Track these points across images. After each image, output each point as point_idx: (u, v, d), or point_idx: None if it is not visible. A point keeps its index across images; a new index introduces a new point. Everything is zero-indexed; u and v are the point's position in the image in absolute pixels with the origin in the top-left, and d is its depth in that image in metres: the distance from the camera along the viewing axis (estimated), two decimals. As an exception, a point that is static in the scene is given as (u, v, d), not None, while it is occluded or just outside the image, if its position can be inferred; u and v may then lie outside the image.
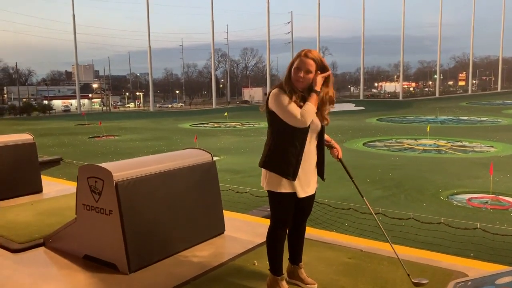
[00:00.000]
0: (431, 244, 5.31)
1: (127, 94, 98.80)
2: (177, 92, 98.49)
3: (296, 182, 2.76)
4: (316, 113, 2.75)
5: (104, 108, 78.23)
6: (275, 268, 2.92)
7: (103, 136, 32.03)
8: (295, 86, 2.71)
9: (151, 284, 3.14)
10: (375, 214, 3.37)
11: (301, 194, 2.81)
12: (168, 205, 3.59)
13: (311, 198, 2.96)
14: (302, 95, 2.72)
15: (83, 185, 3.45)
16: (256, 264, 3.34)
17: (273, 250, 2.93)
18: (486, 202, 12.71)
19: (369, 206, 3.18)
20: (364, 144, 25.43)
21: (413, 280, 2.88)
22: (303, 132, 2.73)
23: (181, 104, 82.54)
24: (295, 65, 2.71)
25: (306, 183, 2.82)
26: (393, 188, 13.66)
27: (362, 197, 3.12)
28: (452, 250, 4.90)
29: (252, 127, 37.44)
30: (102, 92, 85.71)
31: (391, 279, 3.08)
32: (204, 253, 3.64)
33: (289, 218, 2.89)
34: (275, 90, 2.75)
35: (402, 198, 12.68)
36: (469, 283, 2.78)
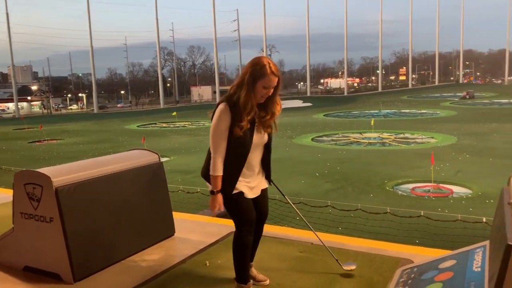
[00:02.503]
0: (379, 233, 5.49)
1: (69, 95, 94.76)
2: (122, 92, 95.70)
3: (239, 185, 2.72)
4: (259, 129, 2.70)
5: (45, 111, 74.62)
6: (245, 276, 2.82)
7: (45, 140, 30.52)
8: (257, 101, 2.62)
9: (98, 293, 3.01)
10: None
11: (250, 195, 2.77)
12: (114, 209, 3.44)
13: (265, 198, 2.93)
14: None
15: (20, 193, 3.24)
16: (208, 264, 3.29)
17: (241, 257, 2.79)
18: (429, 191, 13.35)
19: (288, 199, 3.18)
20: (312, 139, 25.92)
21: (343, 266, 3.03)
22: (246, 149, 2.68)
23: (121, 105, 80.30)
24: (263, 83, 2.57)
25: (252, 185, 2.79)
26: (341, 181, 14.01)
27: (284, 196, 3.17)
28: (399, 238, 5.08)
29: (202, 126, 37.07)
30: (42, 94, 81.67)
31: (341, 269, 3.13)
32: (153, 257, 3.53)
33: (253, 218, 2.78)
34: (222, 107, 2.61)
35: (350, 190, 13.04)
36: (415, 269, 2.87)
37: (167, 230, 3.96)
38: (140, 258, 3.53)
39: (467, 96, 51.22)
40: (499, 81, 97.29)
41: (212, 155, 2.63)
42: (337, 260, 3.10)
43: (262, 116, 2.69)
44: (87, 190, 3.27)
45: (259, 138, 2.72)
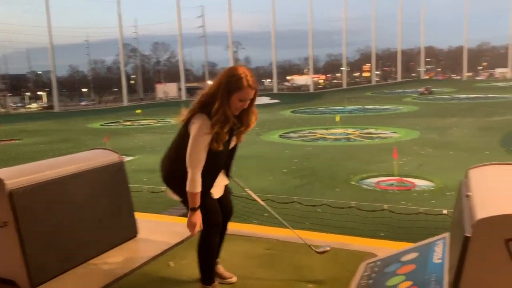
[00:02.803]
0: (345, 227, 5.56)
1: (28, 94, 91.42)
2: (85, 90, 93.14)
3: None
4: (233, 139, 2.65)
5: (2, 110, 71.71)
6: (211, 277, 2.76)
7: (2, 140, 29.31)
8: (233, 113, 2.50)
9: (56, 299, 2.89)
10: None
11: (216, 195, 2.74)
12: (72, 212, 3.31)
13: (227, 194, 2.90)
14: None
15: (-30, 197, 3.07)
16: (172, 265, 3.22)
17: (208, 258, 2.74)
18: (392, 184, 13.66)
19: (252, 193, 3.12)
20: (280, 136, 26.07)
21: (316, 250, 3.04)
22: (222, 161, 2.63)
23: (85, 103, 78.20)
24: (239, 96, 2.44)
25: (217, 184, 2.75)
26: (309, 176, 14.14)
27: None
28: (364, 232, 5.16)
29: (168, 124, 36.57)
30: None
31: (307, 265, 3.14)
32: (115, 260, 3.43)
33: (220, 218, 2.73)
34: (204, 120, 2.44)
35: (317, 185, 13.18)
36: (379, 262, 2.92)
37: (130, 232, 3.86)
38: (101, 261, 3.42)
39: (426, 92, 52.82)
40: (458, 77, 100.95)
41: (190, 170, 2.47)
42: (310, 246, 3.11)
43: (238, 128, 2.60)
44: (44, 192, 3.13)
45: (230, 145, 2.68)
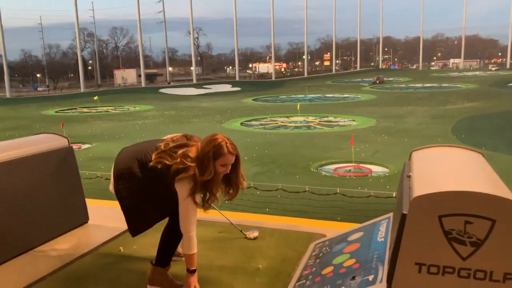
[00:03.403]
0: (300, 211, 5.66)
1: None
2: (39, 75, 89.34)
3: None
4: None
5: (-51, 96, 67.68)
6: (167, 260, 2.79)
7: None
8: (218, 176, 2.58)
9: (1, 285, 2.79)
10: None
11: None
12: (18, 198, 3.19)
13: None
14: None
15: None
16: (122, 250, 3.18)
17: (175, 245, 2.81)
18: (350, 171, 14.00)
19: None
20: (241, 123, 26.07)
21: (245, 233, 3.32)
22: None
23: (41, 88, 75.11)
24: (221, 161, 2.54)
25: None
26: (269, 164, 14.26)
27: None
28: (317, 215, 5.28)
29: (127, 111, 35.74)
30: None
31: (258, 247, 3.18)
32: (64, 246, 3.35)
33: None
34: (191, 192, 2.50)
35: (277, 172, 13.31)
36: (327, 242, 3.00)
37: (80, 218, 3.77)
38: (50, 247, 3.33)
39: (377, 81, 54.08)
40: (414, 67, 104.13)
41: (187, 234, 2.55)
42: (240, 230, 3.38)
43: (227, 191, 2.71)
44: (-16, 177, 3.00)
45: None
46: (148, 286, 2.75)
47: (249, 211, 4.67)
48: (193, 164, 2.50)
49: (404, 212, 1.90)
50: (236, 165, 2.64)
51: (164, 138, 2.76)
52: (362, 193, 6.90)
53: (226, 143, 2.58)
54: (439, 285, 1.87)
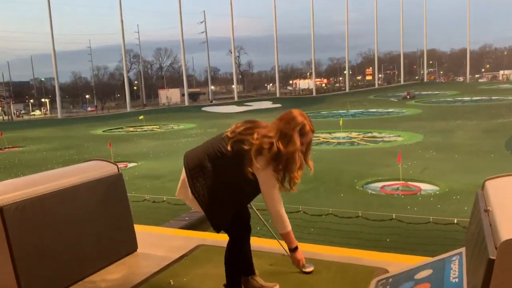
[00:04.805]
0: (351, 238, 5.39)
1: (32, 101, 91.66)
2: (87, 96, 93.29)
3: None
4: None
5: (6, 117, 71.83)
6: (237, 281, 2.77)
7: (6, 148, 29.33)
8: (299, 152, 2.57)
9: (50, 320, 2.74)
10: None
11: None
12: (68, 227, 3.17)
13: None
14: None
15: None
16: (172, 283, 3.07)
17: (235, 261, 2.76)
18: (397, 189, 13.50)
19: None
20: (282, 140, 25.93)
21: (303, 270, 3.04)
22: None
23: (91, 108, 78.18)
24: (304, 139, 2.57)
25: None
26: (313, 181, 13.99)
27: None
28: (371, 243, 4.99)
29: (171, 130, 36.51)
30: (3, 100, 78.65)
31: (314, 282, 2.98)
32: (114, 276, 3.28)
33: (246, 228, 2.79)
34: (270, 171, 2.50)
35: (322, 190, 13.03)
36: (390, 280, 2.75)
37: (129, 246, 3.71)
38: (100, 277, 3.27)
39: (408, 96, 52.79)
40: (462, 79, 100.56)
41: (276, 213, 2.56)
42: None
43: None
44: (37, 207, 2.99)
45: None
46: None
47: (300, 239, 4.48)
48: (275, 139, 2.46)
49: (492, 257, 1.67)
50: (309, 144, 2.62)
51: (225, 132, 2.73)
52: (420, 219, 6.52)
53: (307, 119, 2.58)
54: None
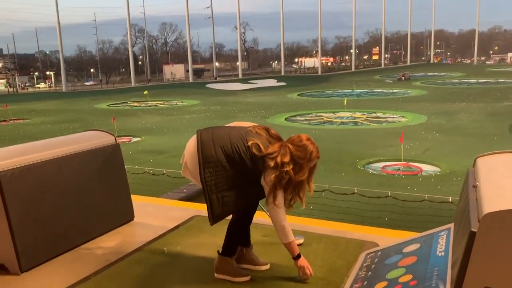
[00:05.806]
0: (347, 213, 5.44)
1: (36, 73, 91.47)
2: (92, 70, 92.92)
3: None
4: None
5: (11, 89, 71.88)
6: (233, 250, 2.87)
7: (11, 119, 29.50)
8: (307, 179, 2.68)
9: (46, 284, 2.81)
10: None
11: None
12: (64, 195, 3.22)
13: None
14: None
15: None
16: (166, 251, 3.13)
17: (238, 234, 2.88)
18: (399, 169, 13.52)
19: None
20: (286, 119, 25.88)
21: None
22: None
23: (90, 83, 77.87)
24: (312, 164, 2.68)
25: None
26: (314, 160, 14.04)
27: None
28: (367, 219, 5.04)
29: (175, 106, 36.49)
30: (8, 72, 78.49)
31: (304, 253, 3.02)
32: (109, 244, 3.35)
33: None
34: (281, 184, 2.59)
35: (322, 169, 13.04)
36: (379, 253, 2.80)
37: (126, 215, 3.77)
38: (95, 245, 3.34)
39: (403, 78, 53.15)
40: (468, 61, 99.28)
41: (279, 224, 2.64)
42: None
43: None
44: (34, 174, 3.03)
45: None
46: (215, 274, 2.79)
47: (293, 214, 4.52)
48: (290, 167, 2.56)
49: (473, 229, 1.69)
50: (312, 168, 2.72)
51: (241, 125, 2.78)
52: (415, 197, 6.55)
53: (315, 146, 2.69)
54: (512, 313, 1.65)
